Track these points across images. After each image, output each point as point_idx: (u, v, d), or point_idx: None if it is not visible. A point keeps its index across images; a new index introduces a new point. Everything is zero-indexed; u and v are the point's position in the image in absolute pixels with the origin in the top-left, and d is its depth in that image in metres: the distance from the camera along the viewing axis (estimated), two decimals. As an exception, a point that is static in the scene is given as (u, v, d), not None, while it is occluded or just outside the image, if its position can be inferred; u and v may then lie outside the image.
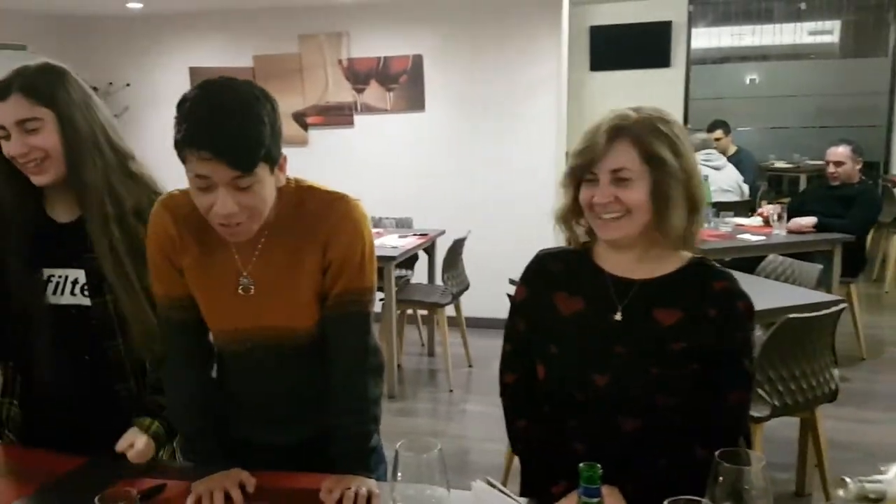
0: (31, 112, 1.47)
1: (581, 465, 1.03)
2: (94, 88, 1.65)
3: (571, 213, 1.44)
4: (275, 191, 1.33)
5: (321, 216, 1.39)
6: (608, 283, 1.42)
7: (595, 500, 1.03)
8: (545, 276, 1.49)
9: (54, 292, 1.57)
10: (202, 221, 1.34)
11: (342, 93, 5.48)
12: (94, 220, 1.53)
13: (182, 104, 1.24)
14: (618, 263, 1.42)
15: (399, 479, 1.13)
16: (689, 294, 1.37)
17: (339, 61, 5.47)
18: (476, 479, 1.27)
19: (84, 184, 1.52)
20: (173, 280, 1.44)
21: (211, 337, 1.50)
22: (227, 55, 5.60)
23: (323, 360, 1.45)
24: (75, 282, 1.57)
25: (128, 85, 5.75)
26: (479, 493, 1.19)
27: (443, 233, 4.89)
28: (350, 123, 5.49)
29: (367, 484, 1.37)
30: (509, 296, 3.21)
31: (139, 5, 5.27)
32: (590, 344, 1.40)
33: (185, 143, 1.22)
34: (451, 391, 4.37)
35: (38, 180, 1.52)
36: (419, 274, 5.00)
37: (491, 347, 4.86)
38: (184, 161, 1.25)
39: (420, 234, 4.72)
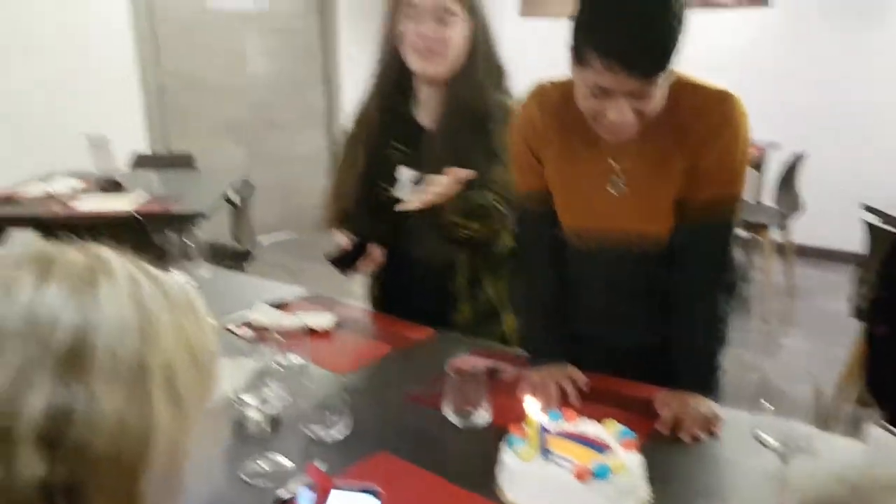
0: (452, 4, 1.49)
1: None
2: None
3: None
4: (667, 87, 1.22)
5: (695, 114, 1.26)
6: None
7: None
8: None
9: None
10: (571, 115, 1.29)
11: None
12: (452, 133, 1.55)
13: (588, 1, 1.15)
14: None
15: (767, 410, 1.02)
16: None
17: (678, -49, 5.02)
18: (870, 423, 1.09)
19: (459, 88, 1.53)
20: (533, 171, 1.42)
21: None
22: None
23: (669, 265, 1.36)
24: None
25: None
26: (878, 439, 1.01)
27: (777, 146, 4.38)
28: (681, 21, 5.07)
29: (707, 405, 1.28)
30: (869, 225, 2.81)
31: None
32: None
33: (592, 47, 1.13)
34: (766, 322, 4.02)
35: (421, 66, 1.54)
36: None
37: (820, 280, 4.47)
38: (581, 62, 1.17)
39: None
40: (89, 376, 0.51)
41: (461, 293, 1.71)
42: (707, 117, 1.26)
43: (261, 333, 1.52)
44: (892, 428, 1.11)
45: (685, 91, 1.28)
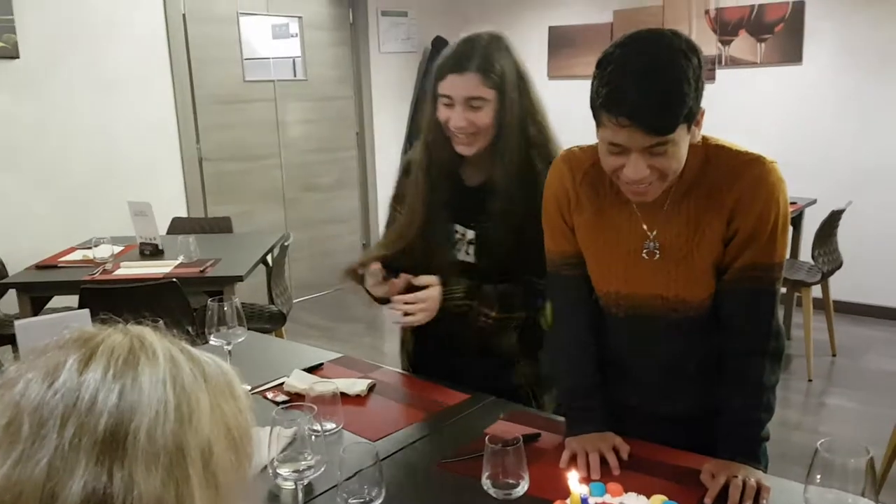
0: (480, 92, 1.54)
1: None
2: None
3: None
4: (687, 148, 1.22)
5: (730, 179, 1.26)
6: None
7: None
8: None
9: (453, 247, 1.68)
10: (601, 178, 1.31)
11: (705, 45, 5.11)
12: (499, 189, 1.60)
13: (604, 65, 1.17)
14: None
15: (818, 481, 0.98)
16: None
17: (706, 12, 5.09)
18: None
19: (501, 158, 1.58)
20: (566, 237, 1.42)
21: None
22: (587, 12, 5.56)
23: (712, 333, 1.33)
24: (470, 241, 1.67)
25: (491, 46, 6.05)
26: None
27: (814, 202, 4.33)
28: (711, 78, 5.11)
29: (755, 475, 1.24)
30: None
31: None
32: None
33: (604, 108, 1.16)
34: (809, 380, 3.90)
35: (462, 150, 1.61)
36: (781, 246, 4.51)
37: (863, 337, 4.35)
38: (598, 122, 1.20)
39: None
40: (128, 460, 0.51)
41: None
42: (741, 182, 1.25)
43: (295, 400, 1.52)
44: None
45: (719, 156, 1.28)
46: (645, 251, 1.33)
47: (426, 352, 1.80)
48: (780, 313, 4.91)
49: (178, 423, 0.53)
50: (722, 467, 1.25)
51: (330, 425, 1.41)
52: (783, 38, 4.83)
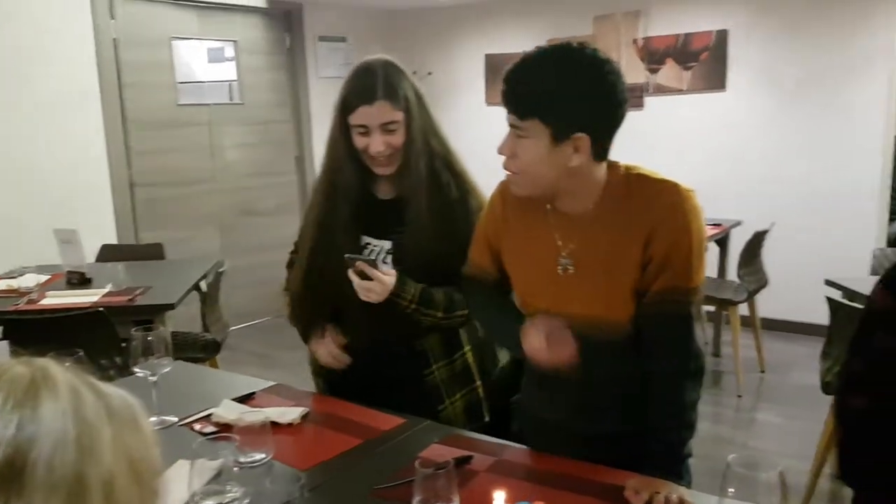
0: (392, 116, 1.65)
1: None
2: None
3: None
4: (549, 161, 1.30)
5: (647, 205, 1.31)
6: None
7: None
8: None
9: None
10: (528, 205, 1.38)
11: (634, 73, 5.29)
12: (412, 201, 1.70)
13: None
14: None
15: (731, 494, 1.02)
16: None
17: (635, 41, 5.27)
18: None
19: (411, 173, 1.69)
20: (486, 255, 1.53)
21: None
22: (521, 40, 5.69)
23: (635, 355, 1.38)
24: (388, 251, 1.75)
25: (430, 73, 6.12)
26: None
27: (739, 223, 4.50)
28: (639, 105, 5.28)
29: (678, 491, 1.27)
30: (830, 300, 2.87)
31: (446, -4, 5.57)
32: None
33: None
34: (739, 396, 4.03)
35: (382, 171, 1.71)
36: (709, 267, 4.65)
37: (789, 353, 4.51)
38: None
39: (712, 225, 4.39)
40: (27, 491, 0.51)
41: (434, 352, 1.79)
42: (657, 209, 1.31)
43: (224, 431, 1.49)
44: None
45: (637, 182, 1.34)
46: (559, 267, 1.38)
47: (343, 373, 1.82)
48: (710, 332, 5.04)
49: (78, 454, 0.53)
50: (646, 484, 1.28)
51: (259, 455, 1.39)
52: (708, 66, 5.04)
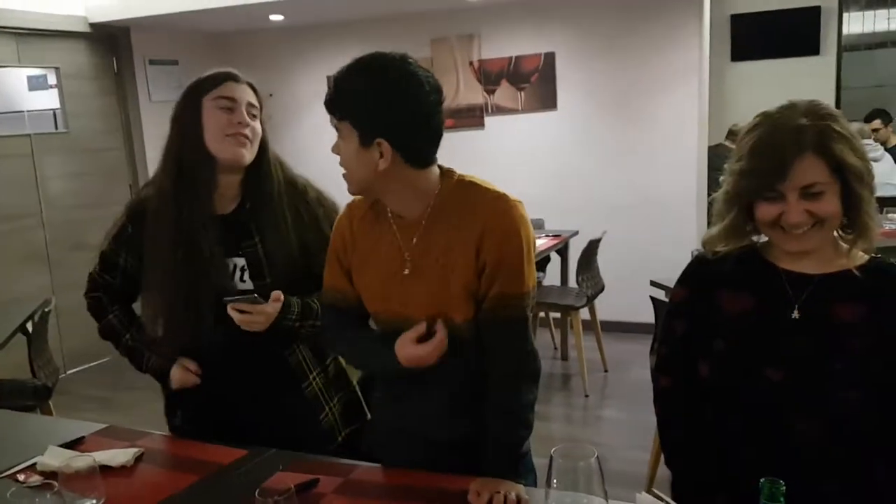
0: (255, 100, 1.69)
1: (762, 480, 0.95)
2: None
3: (737, 232, 1.33)
4: (359, 162, 1.36)
5: (477, 212, 1.38)
6: (782, 279, 1.33)
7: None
8: (706, 276, 1.40)
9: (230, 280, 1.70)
10: (377, 217, 1.45)
11: (473, 94, 5.50)
12: (269, 206, 1.68)
13: None
14: (793, 260, 1.33)
15: (554, 485, 1.09)
16: (873, 290, 1.27)
17: (470, 63, 5.49)
18: (641, 492, 1.19)
19: (265, 172, 1.70)
20: (340, 276, 1.52)
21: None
22: (362, 62, 5.75)
23: (479, 360, 1.43)
24: (243, 269, 1.70)
25: (271, 95, 6.03)
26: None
27: (576, 233, 4.78)
28: (481, 125, 5.49)
29: (516, 489, 1.34)
30: (653, 298, 3.12)
31: (280, 17, 5.52)
32: (763, 339, 1.31)
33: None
34: (586, 396, 4.26)
35: (243, 153, 1.65)
36: (551, 276, 4.92)
37: (627, 352, 4.81)
38: None
39: (553, 236, 4.64)
40: None
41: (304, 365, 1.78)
42: (486, 216, 1.37)
43: (49, 479, 1.39)
44: (661, 495, 1.23)
45: (470, 190, 1.41)
46: (406, 270, 1.42)
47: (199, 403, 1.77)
48: (558, 336, 5.25)
49: None
50: (486, 485, 1.34)
51: (89, 502, 1.31)
52: (539, 87, 5.34)
